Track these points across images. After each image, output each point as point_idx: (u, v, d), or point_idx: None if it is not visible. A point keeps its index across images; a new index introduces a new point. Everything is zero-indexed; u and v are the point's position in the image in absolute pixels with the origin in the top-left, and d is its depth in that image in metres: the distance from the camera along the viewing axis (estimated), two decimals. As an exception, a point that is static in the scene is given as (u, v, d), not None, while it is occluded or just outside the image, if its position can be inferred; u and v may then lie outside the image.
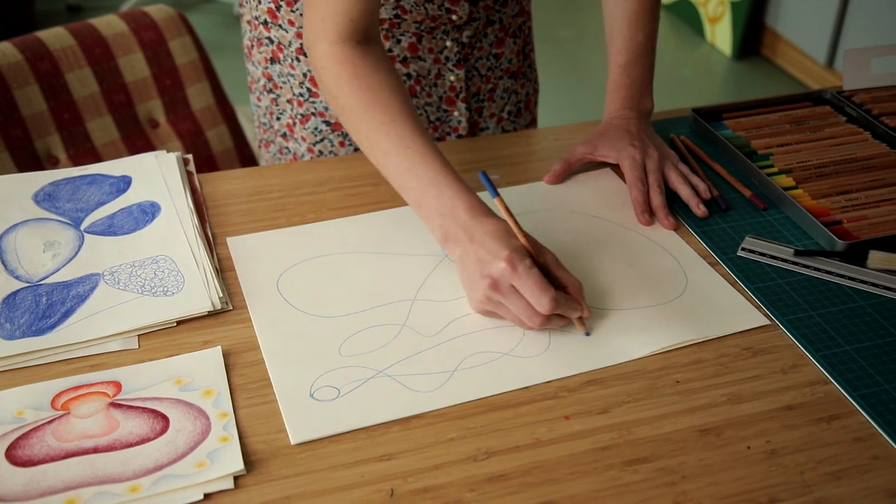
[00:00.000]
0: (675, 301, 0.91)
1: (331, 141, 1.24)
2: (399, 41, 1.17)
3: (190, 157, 1.14)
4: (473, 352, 0.85)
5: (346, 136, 1.24)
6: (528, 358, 0.85)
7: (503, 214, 0.89)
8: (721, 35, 3.72)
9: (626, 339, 0.87)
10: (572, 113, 3.17)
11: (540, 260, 0.87)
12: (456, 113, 1.25)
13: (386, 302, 0.91)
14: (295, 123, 1.25)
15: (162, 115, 1.67)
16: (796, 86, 3.41)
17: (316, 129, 1.24)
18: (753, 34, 3.68)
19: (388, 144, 0.94)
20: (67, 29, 1.57)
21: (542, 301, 0.82)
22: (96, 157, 1.59)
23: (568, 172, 1.11)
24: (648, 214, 1.03)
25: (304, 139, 1.26)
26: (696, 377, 0.83)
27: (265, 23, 1.21)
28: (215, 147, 1.73)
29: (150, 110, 1.66)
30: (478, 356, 0.85)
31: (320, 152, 1.25)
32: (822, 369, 0.83)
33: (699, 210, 1.04)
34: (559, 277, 0.87)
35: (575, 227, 1.03)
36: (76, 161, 1.57)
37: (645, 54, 1.15)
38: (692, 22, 3.91)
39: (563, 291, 0.86)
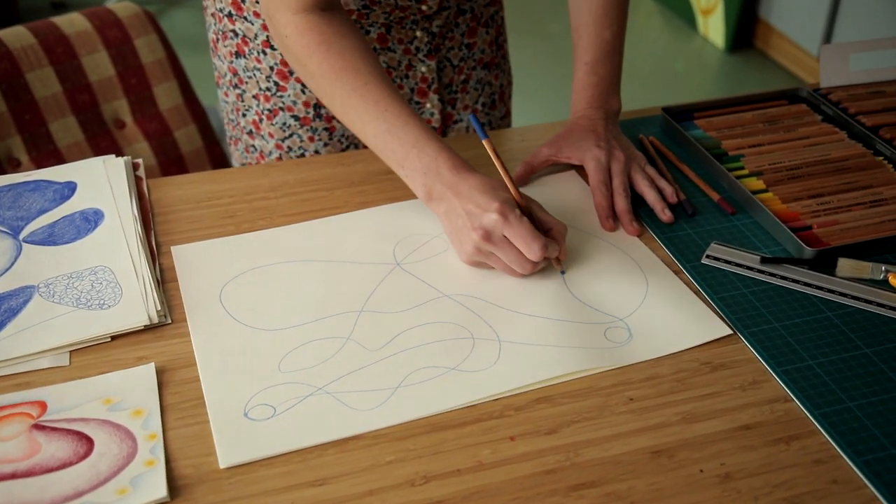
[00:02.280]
0: (634, 313, 0.87)
1: (299, 136, 1.21)
2: (368, 32, 1.14)
3: (140, 161, 1.10)
4: (419, 367, 0.81)
5: (315, 130, 1.20)
6: (476, 372, 0.81)
7: (493, 158, 0.92)
8: (714, 27, 3.67)
9: (581, 352, 0.83)
10: (564, 107, 3.13)
11: (525, 207, 0.90)
12: (429, 105, 1.21)
13: (332, 313, 0.87)
14: (261, 120, 1.22)
15: (128, 115, 1.63)
16: (790, 79, 3.37)
17: (284, 124, 1.20)
18: (747, 26, 3.63)
19: (364, 109, 0.94)
20: (28, 28, 1.53)
21: (533, 248, 0.86)
22: (59, 159, 1.55)
23: (530, 175, 1.07)
24: (612, 220, 0.99)
25: (271, 135, 1.22)
26: (650, 394, 0.79)
27: (230, 15, 1.17)
28: (184, 147, 1.69)
29: (115, 110, 1.62)
30: (423, 371, 0.81)
31: (289, 148, 1.21)
32: (782, 385, 0.79)
33: (664, 215, 1.00)
34: (544, 221, 0.91)
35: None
36: (38, 164, 1.53)
37: (612, 52, 1.11)
38: (685, 14, 3.86)
39: (548, 235, 0.90)
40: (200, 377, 0.80)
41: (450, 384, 0.80)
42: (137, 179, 1.07)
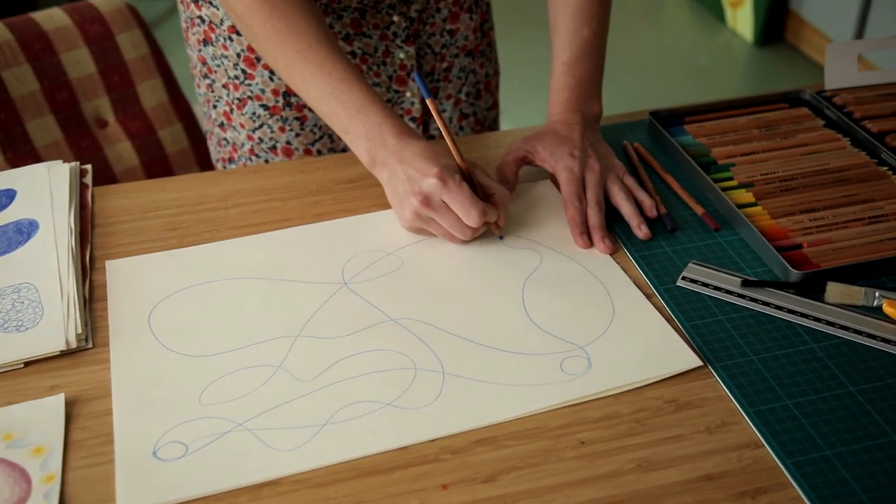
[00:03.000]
0: (597, 341, 0.79)
1: (270, 127, 1.14)
2: (340, 17, 1.07)
3: (88, 168, 1.04)
4: (351, 401, 0.74)
5: (285, 120, 1.13)
6: (413, 410, 0.73)
7: (435, 118, 0.89)
8: (743, 20, 3.54)
9: (530, 389, 0.75)
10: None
11: (468, 172, 0.89)
12: (408, 94, 1.14)
13: (265, 338, 0.80)
14: (232, 110, 1.15)
15: (110, 113, 1.57)
16: (822, 74, 3.23)
17: (254, 114, 1.14)
18: (777, 19, 3.49)
19: (308, 72, 0.92)
20: (4, 23, 1.48)
21: (471, 214, 0.85)
22: (37, 159, 1.50)
23: (516, 176, 0.99)
24: (586, 236, 0.91)
25: (242, 126, 1.15)
26: (605, 436, 0.71)
27: (196, 0, 1.11)
28: (169, 147, 1.64)
29: (96, 109, 1.56)
30: (355, 407, 0.73)
31: (260, 139, 1.15)
32: (753, 429, 0.71)
33: (640, 231, 0.91)
34: (486, 186, 0.90)
35: (497, 250, 0.91)
36: (14, 164, 1.48)
37: (591, 51, 1.02)
38: (713, 6, 3.73)
39: (490, 200, 0.90)
40: (113, 410, 0.74)
41: (382, 423, 0.72)
42: (83, 187, 1.01)
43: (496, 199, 0.90)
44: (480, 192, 0.90)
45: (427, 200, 0.86)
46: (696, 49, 3.53)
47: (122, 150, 1.59)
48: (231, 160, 1.21)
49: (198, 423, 0.72)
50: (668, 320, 0.82)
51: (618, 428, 0.71)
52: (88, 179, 1.02)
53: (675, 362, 0.77)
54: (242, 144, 1.17)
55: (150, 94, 1.60)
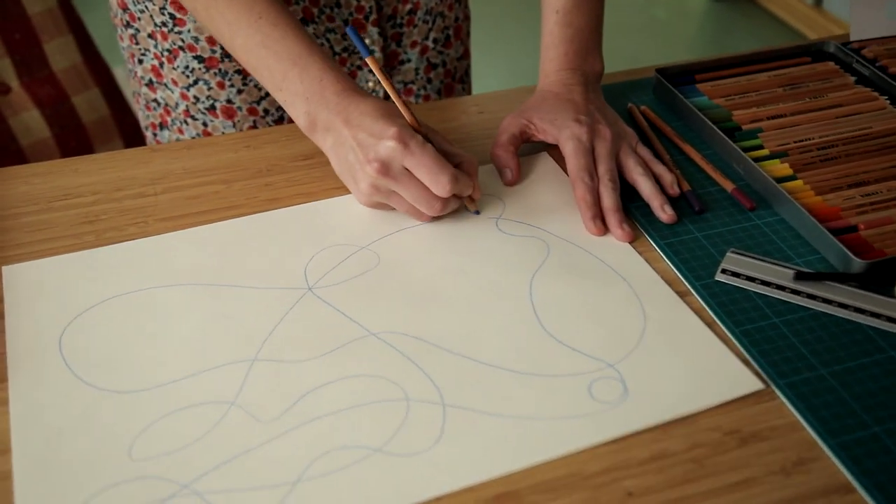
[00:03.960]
0: (629, 357, 0.64)
1: (206, 83, 0.95)
2: None
3: (-20, 145, 0.84)
4: (330, 447, 0.57)
5: (224, 74, 0.95)
6: (410, 457, 0.57)
7: (380, 78, 0.75)
8: (696, -28, 3.40)
9: (556, 423, 0.59)
10: (534, 62, 2.86)
11: (425, 136, 0.74)
12: (367, 41, 0.96)
13: (214, 364, 0.63)
14: (161, 64, 0.96)
15: (13, 77, 1.36)
16: (787, 32, 3.11)
17: (187, 67, 0.95)
18: (731, -29, 3.37)
19: (233, 16, 0.78)
20: None
21: (440, 180, 0.71)
22: (-73, 133, 1.29)
23: (518, 157, 0.82)
24: (600, 220, 0.75)
25: (174, 83, 0.96)
26: (657, 484, 0.56)
27: None
28: (85, 116, 1.43)
29: (-3, 72, 1.35)
30: (336, 455, 0.57)
31: (196, 98, 0.96)
32: (840, 467, 0.56)
33: (664, 213, 0.76)
34: (452, 155, 0.76)
35: (494, 241, 0.75)
36: None
37: (591, -2, 0.86)
38: (664, -42, 3.58)
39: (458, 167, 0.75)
40: (14, 472, 0.56)
41: (372, 476, 0.56)
42: (-26, 171, 0.81)
43: (465, 167, 0.76)
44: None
45: (385, 168, 0.71)
46: (648, 1, 3.38)
47: (29, 121, 1.38)
48: (163, 125, 1.02)
49: (129, 487, 0.55)
50: (711, 325, 0.67)
51: (672, 471, 0.56)
52: (-19, 161, 0.82)
53: (730, 383, 0.62)
54: (176, 105, 0.98)
55: (61, 54, 1.39)
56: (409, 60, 1.03)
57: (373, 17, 0.96)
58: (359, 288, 0.70)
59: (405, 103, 0.74)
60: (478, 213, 0.77)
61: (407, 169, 0.72)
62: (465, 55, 1.11)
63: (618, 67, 1.04)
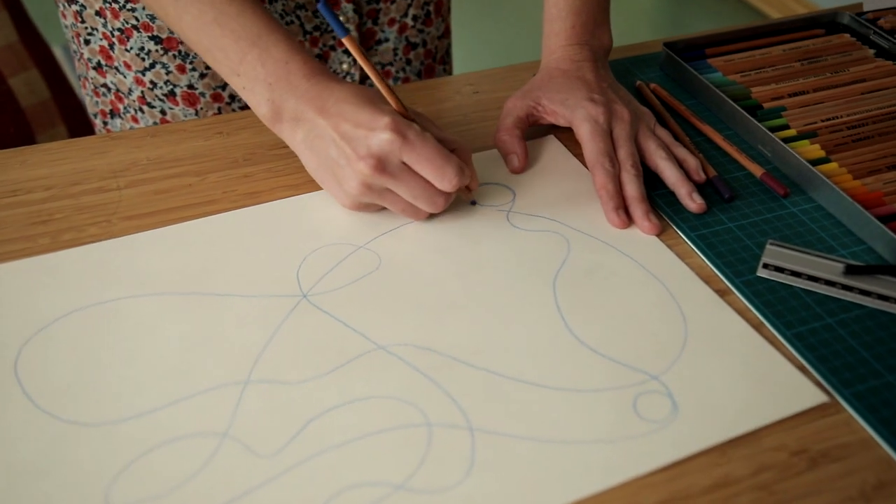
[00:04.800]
0: (674, 367, 0.56)
1: (165, 66, 0.85)
2: None
3: (-90, 134, 0.73)
4: (345, 485, 0.49)
5: (185, 57, 0.85)
6: (438, 494, 0.49)
7: (359, 60, 0.64)
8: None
9: (601, 448, 0.52)
10: (523, 41, 2.76)
11: (420, 123, 0.65)
12: (342, 18, 0.87)
13: (200, 389, 0.54)
14: (112, 45, 0.86)
15: (-57, 58, 1.23)
16: (749, 12, 3.06)
17: (142, 49, 0.84)
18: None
19: None
20: None
21: (447, 174, 0.62)
22: None
23: (525, 142, 0.74)
24: (623, 211, 0.67)
25: (127, 66, 0.86)
26: (723, 517, 0.49)
27: None
28: (24, 100, 1.31)
29: (-77, 53, 1.22)
30: (352, 495, 0.49)
31: (153, 83, 0.86)
32: (928, 491, 0.50)
33: (693, 202, 0.69)
34: (445, 141, 0.66)
35: (506, 237, 0.67)
36: None
37: (600, -37, 0.78)
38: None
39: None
40: (-33, 529, 0.47)
41: (397, 520, 0.48)
42: None
43: (460, 154, 0.67)
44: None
45: (381, 164, 0.62)
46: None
47: (-39, 105, 1.26)
48: (114, 112, 0.92)
49: (108, 544, 0.46)
50: (758, 328, 0.60)
51: (739, 501, 0.49)
52: (-89, 153, 0.72)
53: (790, 395, 0.55)
54: (130, 91, 0.88)
55: (-5, 32, 1.27)
56: (386, 40, 0.94)
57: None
58: (360, 293, 0.61)
59: (389, 87, 0.65)
60: (474, 203, 0.69)
61: (405, 164, 0.63)
62: (446, 33, 1.03)
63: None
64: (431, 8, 0.96)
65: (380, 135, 0.61)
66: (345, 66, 0.91)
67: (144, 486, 0.49)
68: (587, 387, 0.55)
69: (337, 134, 0.63)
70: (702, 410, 0.54)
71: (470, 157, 0.68)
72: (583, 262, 0.64)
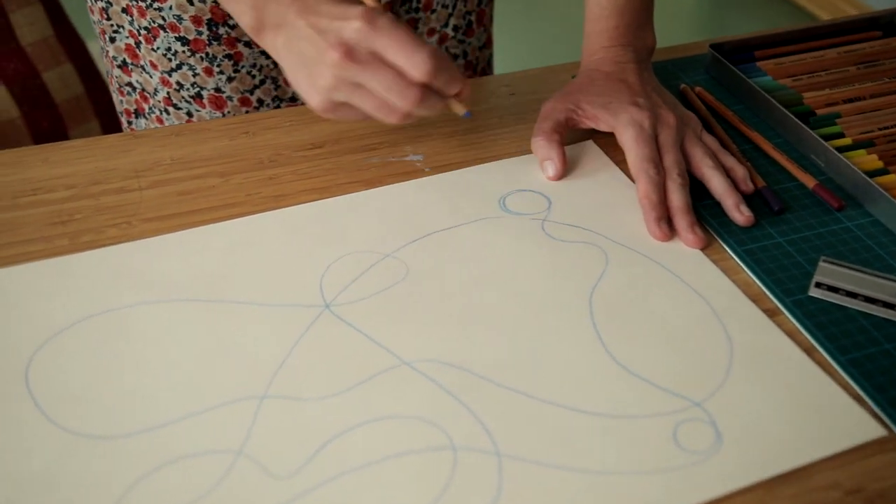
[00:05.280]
0: (718, 394, 0.53)
1: (192, 68, 0.83)
2: None
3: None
4: (362, 513, 0.46)
5: (212, 59, 0.83)
6: (463, 525, 0.46)
7: None
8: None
9: (638, 479, 0.48)
10: (562, 44, 2.72)
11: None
12: None
13: (215, 402, 0.52)
14: (138, 44, 0.83)
15: (-23, 51, 1.23)
16: (798, 14, 2.99)
17: (168, 49, 0.82)
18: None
19: None
20: None
21: (418, 57, 0.58)
22: None
23: (563, 148, 0.70)
24: (665, 222, 0.64)
25: (153, 66, 0.84)
26: (769, 560, 0.45)
27: None
28: (58, 95, 1.30)
29: (-41, 45, 1.22)
30: (370, 524, 0.46)
31: (179, 85, 0.84)
32: None
33: (740, 214, 0.65)
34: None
35: (543, 247, 0.63)
36: None
37: (646, -39, 0.74)
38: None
39: None
40: (-34, 548, 0.44)
41: (417, 553, 0.45)
42: (-76, 160, 0.69)
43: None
44: None
45: (351, 52, 0.59)
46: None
47: (-5, 98, 1.25)
48: (139, 112, 0.90)
49: (111, 569, 0.44)
50: (809, 352, 0.56)
51: (786, 544, 0.46)
52: (-67, 148, 0.70)
53: (844, 427, 0.51)
54: (155, 91, 0.86)
55: (29, 26, 1.26)
56: None
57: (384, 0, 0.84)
58: (386, 305, 0.58)
59: None
60: (469, 115, 0.66)
61: (377, 53, 0.59)
62: (488, 43, 0.99)
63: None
64: (473, 18, 0.93)
65: (351, 23, 0.59)
66: None
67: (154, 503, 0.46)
68: (624, 412, 0.52)
69: (313, 30, 0.60)
70: (747, 442, 0.50)
71: (452, 64, 0.62)
72: (621, 276, 0.61)
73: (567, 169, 0.70)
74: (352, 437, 0.50)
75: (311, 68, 0.61)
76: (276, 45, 0.63)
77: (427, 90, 0.60)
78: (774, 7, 3.00)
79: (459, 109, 0.65)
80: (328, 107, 0.62)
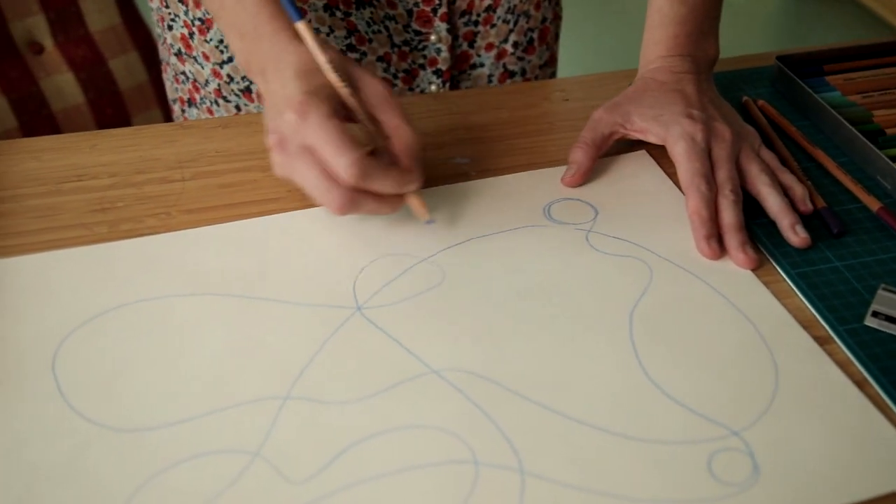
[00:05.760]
0: (758, 424, 0.50)
1: None
2: None
3: (-13, 111, 0.72)
4: (376, 525, 0.45)
5: None
6: (479, 545, 0.44)
7: (305, 40, 0.61)
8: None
9: (668, 508, 0.46)
10: (625, 53, 2.68)
11: (351, 102, 0.60)
12: (433, 37, 0.83)
13: (237, 401, 0.51)
14: (192, 34, 0.84)
15: (47, 36, 1.25)
16: (878, 26, 2.90)
17: (220, 41, 0.82)
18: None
19: None
20: None
21: (339, 163, 0.56)
22: (-49, 93, 1.19)
23: (595, 163, 0.68)
24: (715, 240, 0.61)
25: (205, 57, 0.84)
26: None
27: None
28: (123, 82, 1.32)
29: (29, 30, 1.24)
30: (382, 537, 0.44)
31: (230, 78, 0.84)
32: None
33: (796, 236, 0.62)
34: (383, 124, 0.61)
35: (586, 260, 0.61)
36: (-80, 98, 1.17)
37: (711, -32, 0.71)
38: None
39: (388, 146, 0.61)
40: (-23, 533, 0.44)
41: (428, 571, 0.43)
42: (-24, 141, 0.70)
43: (396, 144, 0.60)
44: (375, 135, 0.61)
45: (282, 144, 0.59)
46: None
47: (62, 84, 1.27)
48: (191, 102, 0.90)
49: (118, 565, 0.43)
50: (861, 385, 0.53)
51: (821, 589, 0.43)
52: (-15, 130, 0.71)
53: (893, 466, 0.48)
54: (206, 82, 0.86)
55: (98, 13, 1.28)
56: (481, 65, 0.89)
57: (442, 10, 0.82)
58: (419, 310, 0.57)
59: (326, 54, 0.60)
60: (431, 222, 0.63)
61: (307, 147, 0.58)
62: (551, 62, 0.96)
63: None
64: (535, 35, 0.91)
65: (285, 114, 0.58)
66: (433, 88, 0.87)
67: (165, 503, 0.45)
68: (657, 437, 0.49)
69: (273, 100, 0.60)
70: (787, 476, 0.47)
71: (411, 151, 0.60)
72: (665, 293, 0.58)
73: (616, 179, 0.68)
74: (371, 445, 0.48)
75: (268, 136, 0.61)
76: (259, 89, 0.64)
77: (357, 192, 0.58)
78: (850, 15, 2.91)
79: (420, 215, 0.62)
80: (281, 176, 0.61)
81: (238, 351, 0.54)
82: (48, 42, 1.25)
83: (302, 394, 0.51)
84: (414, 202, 0.61)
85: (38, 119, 1.25)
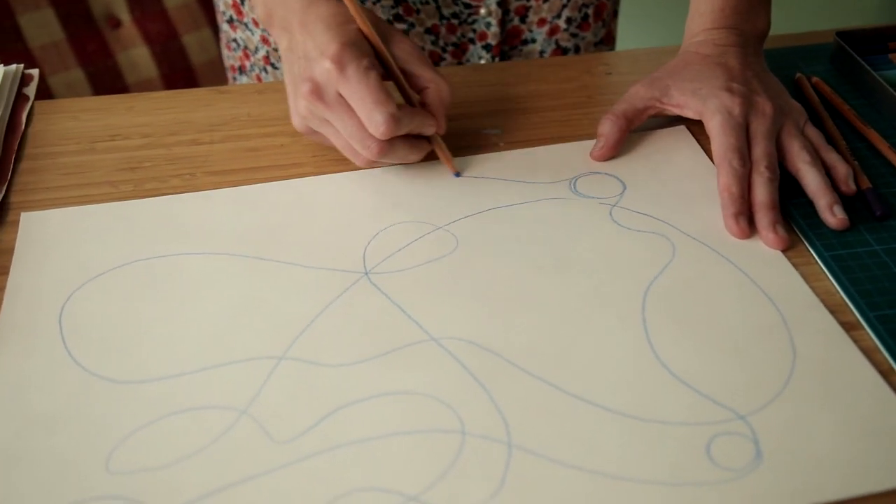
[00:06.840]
0: (766, 409, 0.47)
1: None
2: None
3: (34, 73, 0.74)
4: (353, 487, 0.44)
5: None
6: (454, 514, 0.43)
7: None
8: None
9: (658, 490, 0.44)
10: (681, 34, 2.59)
11: (387, 55, 0.61)
12: (483, 11, 0.82)
13: (233, 358, 0.51)
14: (242, 1, 0.84)
15: (125, 10, 1.29)
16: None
17: None
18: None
19: None
20: None
21: (374, 118, 0.57)
22: (31, 63, 1.23)
23: (625, 136, 0.66)
24: (745, 218, 0.58)
25: (255, 24, 0.85)
26: None
27: None
28: (195, 57, 1.35)
29: (108, 5, 1.28)
30: (356, 498, 0.43)
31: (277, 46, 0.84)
32: None
33: (833, 216, 0.58)
34: (417, 77, 0.62)
35: (607, 232, 0.59)
36: (1, 67, 1.21)
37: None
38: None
39: (422, 99, 0.62)
40: (-31, 470, 0.45)
41: (398, 537, 0.42)
42: (21, 100, 0.71)
43: (430, 96, 0.62)
44: (407, 88, 0.62)
45: (318, 92, 0.59)
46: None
47: (137, 58, 1.31)
48: (242, 69, 0.91)
49: (95, 509, 0.43)
50: (886, 375, 0.49)
51: (814, 585, 0.40)
52: (31, 90, 0.73)
53: (911, 460, 0.44)
54: (256, 49, 0.86)
55: (175, -11, 1.31)
56: (533, 41, 0.87)
57: None
58: (426, 278, 0.56)
59: (363, 15, 0.60)
60: (458, 175, 0.63)
61: (342, 96, 0.58)
62: (607, 39, 0.93)
63: (778, 30, 0.84)
64: (591, 11, 0.88)
65: (322, 62, 0.58)
66: (483, 61, 0.85)
67: (146, 456, 0.45)
68: (656, 416, 0.47)
69: (302, 52, 0.60)
70: (792, 464, 0.44)
71: (441, 102, 0.62)
72: (686, 271, 0.56)
73: (651, 154, 0.65)
74: (358, 410, 0.48)
75: (294, 87, 0.61)
76: (281, 45, 0.64)
77: (391, 142, 0.59)
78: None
79: (448, 165, 0.63)
80: (304, 130, 0.62)
81: (240, 310, 0.54)
82: (125, 17, 1.28)
83: (297, 355, 0.51)
84: (442, 153, 0.62)
85: (112, 92, 1.29)
